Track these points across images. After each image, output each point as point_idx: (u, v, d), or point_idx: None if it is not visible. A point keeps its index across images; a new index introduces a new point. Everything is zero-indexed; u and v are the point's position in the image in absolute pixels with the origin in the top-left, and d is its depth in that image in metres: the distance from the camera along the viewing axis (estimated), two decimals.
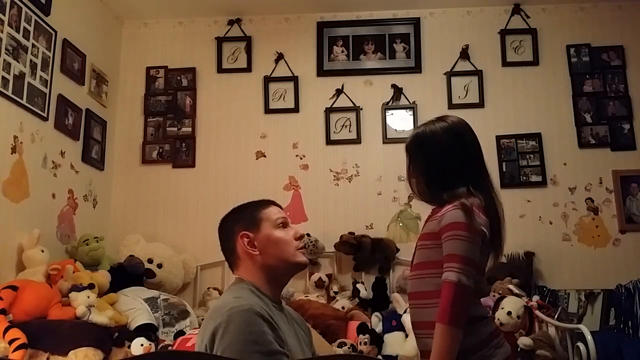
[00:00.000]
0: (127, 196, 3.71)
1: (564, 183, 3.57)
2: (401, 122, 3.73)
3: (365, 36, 3.86)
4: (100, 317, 2.51)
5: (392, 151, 3.64)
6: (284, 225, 1.53)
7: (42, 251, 2.69)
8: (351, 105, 3.76)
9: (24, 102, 2.79)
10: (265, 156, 3.74)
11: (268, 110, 3.79)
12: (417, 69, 3.79)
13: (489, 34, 3.81)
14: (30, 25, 2.87)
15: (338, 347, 2.74)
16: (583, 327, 2.39)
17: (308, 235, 3.37)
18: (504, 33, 3.79)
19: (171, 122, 3.79)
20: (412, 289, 1.60)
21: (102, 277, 2.83)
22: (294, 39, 3.89)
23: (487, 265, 1.58)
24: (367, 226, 3.58)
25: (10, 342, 2.18)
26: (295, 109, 3.78)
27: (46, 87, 3.00)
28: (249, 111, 3.80)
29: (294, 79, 3.82)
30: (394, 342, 2.82)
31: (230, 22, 3.90)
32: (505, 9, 3.82)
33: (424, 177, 1.63)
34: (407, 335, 2.81)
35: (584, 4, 3.78)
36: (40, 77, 2.95)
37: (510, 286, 3.02)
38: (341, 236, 3.45)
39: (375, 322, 2.98)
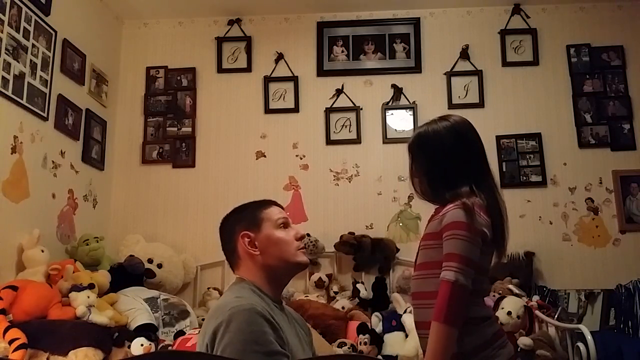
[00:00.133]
0: (127, 196, 3.71)
1: (564, 183, 3.57)
2: (401, 122, 3.73)
3: (365, 36, 3.86)
4: (100, 317, 2.51)
5: (392, 151, 3.64)
6: (285, 225, 1.53)
7: (42, 251, 2.69)
8: (351, 105, 3.76)
9: (24, 102, 2.79)
10: (265, 156, 3.73)
11: (268, 110, 3.79)
12: (417, 69, 3.79)
13: (489, 34, 3.81)
14: (30, 25, 2.87)
15: (338, 347, 2.74)
16: (583, 327, 2.39)
17: (308, 235, 3.36)
18: (504, 33, 3.79)
19: (171, 122, 3.79)
20: (415, 289, 1.59)
21: (102, 277, 2.83)
22: (294, 39, 3.89)
23: (490, 265, 1.57)
24: (367, 226, 3.57)
25: (10, 342, 2.18)
26: (295, 109, 3.78)
27: (46, 87, 3.00)
28: (249, 111, 3.80)
29: (294, 79, 3.81)
30: (394, 342, 2.82)
31: (230, 22, 3.90)
32: (505, 9, 3.82)
33: (427, 176, 1.63)
34: (407, 335, 2.81)
35: (584, 4, 3.78)
36: (40, 77, 2.95)
37: (510, 286, 3.02)
38: (341, 236, 3.45)
39: (375, 322, 2.97)
